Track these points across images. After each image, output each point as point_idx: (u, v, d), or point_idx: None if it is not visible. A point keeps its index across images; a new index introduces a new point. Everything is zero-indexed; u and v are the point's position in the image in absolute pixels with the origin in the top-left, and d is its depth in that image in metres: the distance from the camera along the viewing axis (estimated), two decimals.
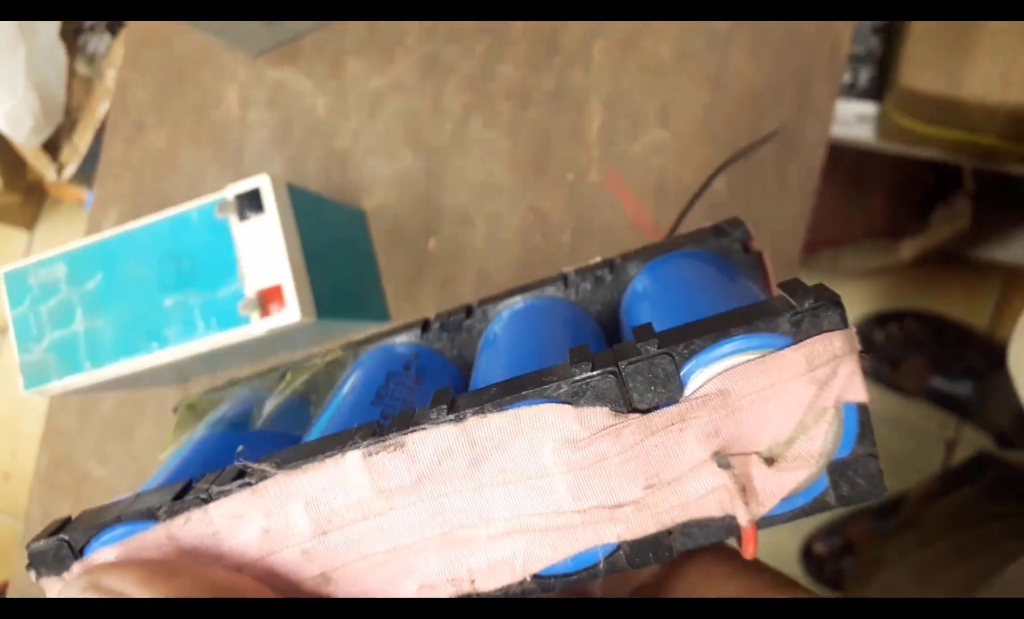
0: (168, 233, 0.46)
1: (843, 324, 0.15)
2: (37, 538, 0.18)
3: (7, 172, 1.23)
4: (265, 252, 0.44)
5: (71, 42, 1.20)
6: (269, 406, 0.26)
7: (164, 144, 0.59)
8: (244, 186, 0.45)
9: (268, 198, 0.44)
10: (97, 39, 1.21)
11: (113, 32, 1.20)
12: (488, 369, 0.22)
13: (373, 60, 0.56)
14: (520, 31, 0.53)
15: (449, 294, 0.53)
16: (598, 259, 0.25)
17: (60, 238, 1.43)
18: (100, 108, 1.16)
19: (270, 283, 0.44)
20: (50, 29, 1.13)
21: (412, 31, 0.55)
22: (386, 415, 0.21)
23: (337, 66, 0.56)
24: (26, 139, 1.14)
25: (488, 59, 0.54)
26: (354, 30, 0.56)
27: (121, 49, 1.15)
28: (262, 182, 0.44)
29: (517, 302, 0.25)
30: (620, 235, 0.51)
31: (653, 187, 0.51)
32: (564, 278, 0.24)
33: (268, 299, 0.44)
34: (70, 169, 1.16)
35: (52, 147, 1.19)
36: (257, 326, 0.44)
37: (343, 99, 0.56)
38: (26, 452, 1.40)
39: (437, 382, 0.24)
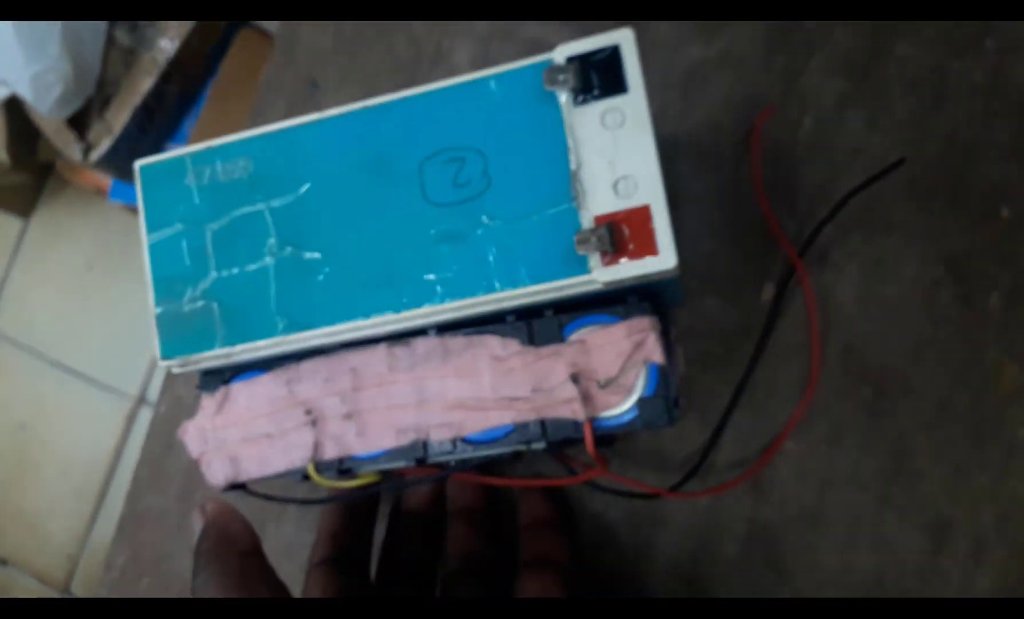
0: (442, 115, 0.27)
1: (650, 313, 0.26)
2: (205, 372, 0.30)
3: (17, 148, 1.03)
4: (621, 156, 0.26)
5: None
6: None
7: None
8: (587, 45, 0.27)
9: (633, 68, 0.26)
10: None
11: None
12: None
13: (694, 20, 0.38)
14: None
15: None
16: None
17: (63, 229, 1.22)
18: (144, 83, 0.97)
19: (627, 206, 0.26)
20: None
21: None
22: None
23: (635, 25, 0.38)
24: (50, 110, 0.95)
25: (879, 29, 0.37)
26: None
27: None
28: (624, 39, 0.26)
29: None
30: None
31: None
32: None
33: (623, 233, 0.26)
34: (99, 151, 0.97)
35: (77, 124, 0.99)
36: (599, 275, 0.25)
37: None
38: None
39: None
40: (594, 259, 0.26)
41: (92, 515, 1.24)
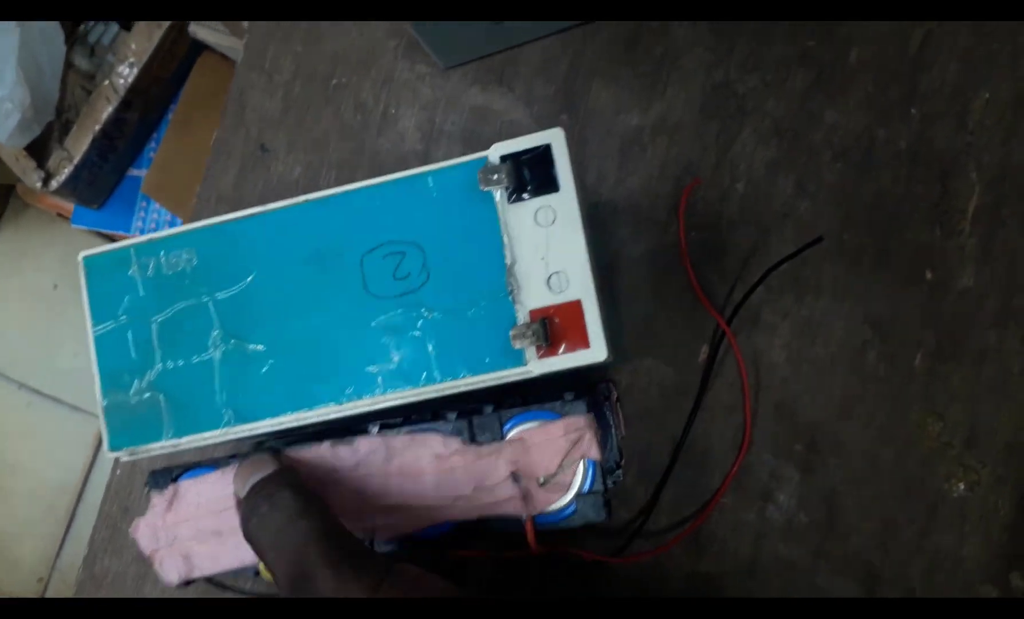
0: (382, 210, 0.28)
1: (586, 411, 0.29)
2: (154, 471, 0.31)
3: None
4: (554, 253, 0.27)
5: (69, 30, 1.01)
6: None
7: (298, 179, 0.41)
8: (521, 144, 0.28)
9: (563, 167, 0.27)
10: (102, 28, 1.03)
11: (126, 24, 1.02)
12: None
13: (631, 88, 0.39)
14: (859, 64, 0.38)
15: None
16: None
17: (27, 249, 1.20)
18: (103, 111, 0.97)
19: (560, 300, 0.27)
20: None
21: (694, 51, 0.39)
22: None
23: (574, 93, 0.40)
24: (8, 138, 0.94)
25: (809, 98, 0.38)
26: (602, 43, 0.40)
27: (135, 43, 0.98)
28: (554, 138, 0.28)
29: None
30: (1001, 355, 0.36)
31: None
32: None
33: (557, 327, 0.27)
34: (59, 179, 0.97)
35: (37, 151, 0.98)
36: (535, 367, 0.27)
37: (580, 139, 0.39)
38: None
39: None
40: (530, 352, 0.27)
41: (62, 537, 1.23)
